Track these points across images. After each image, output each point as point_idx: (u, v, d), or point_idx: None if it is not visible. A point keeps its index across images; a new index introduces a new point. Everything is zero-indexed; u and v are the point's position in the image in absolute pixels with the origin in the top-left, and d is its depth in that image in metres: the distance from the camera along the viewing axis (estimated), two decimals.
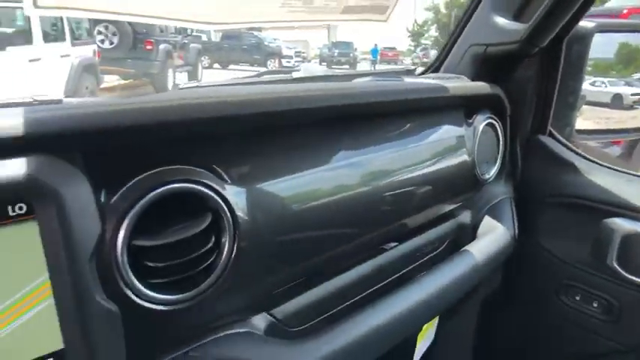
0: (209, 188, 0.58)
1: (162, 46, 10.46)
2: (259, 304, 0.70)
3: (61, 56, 6.91)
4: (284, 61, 18.40)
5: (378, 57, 28.49)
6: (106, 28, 9.91)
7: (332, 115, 0.78)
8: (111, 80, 9.97)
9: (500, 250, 1.04)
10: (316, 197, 0.73)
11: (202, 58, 13.69)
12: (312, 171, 0.74)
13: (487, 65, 1.13)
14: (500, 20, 1.07)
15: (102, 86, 8.64)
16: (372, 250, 0.91)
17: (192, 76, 12.13)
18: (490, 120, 1.07)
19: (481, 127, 1.04)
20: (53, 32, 6.91)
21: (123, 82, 10.47)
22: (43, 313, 0.48)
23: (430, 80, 1.02)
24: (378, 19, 0.92)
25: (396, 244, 0.96)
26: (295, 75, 1.09)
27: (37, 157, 0.46)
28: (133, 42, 10.09)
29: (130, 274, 0.52)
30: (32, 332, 0.47)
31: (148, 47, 10.29)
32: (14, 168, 0.44)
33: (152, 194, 0.53)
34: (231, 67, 17.63)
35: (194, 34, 14.70)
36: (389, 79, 1.02)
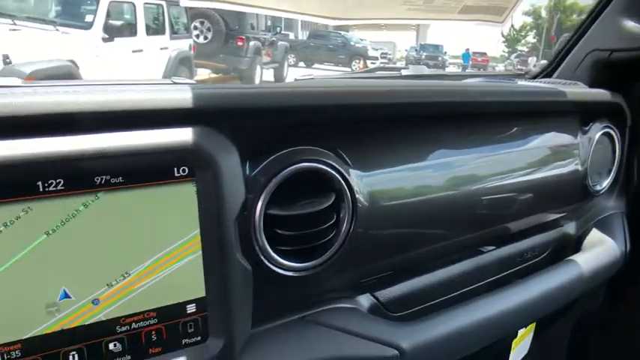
0: (335, 170, 0.62)
1: (252, 43, 10.90)
2: (364, 285, 0.73)
3: (161, 48, 7.42)
4: (369, 62, 18.30)
5: (470, 62, 26.94)
6: (202, 23, 10.52)
7: (444, 111, 0.79)
8: (203, 74, 10.56)
9: (606, 266, 1.00)
10: (423, 192, 0.75)
11: (289, 56, 14.07)
12: (421, 165, 0.76)
13: (609, 72, 1.07)
14: (631, 24, 1.01)
15: (195, 79, 9.19)
16: (470, 250, 0.91)
17: (278, 73, 12.51)
18: (607, 130, 1.02)
19: (597, 136, 1.00)
20: (155, 26, 7.45)
21: (214, 75, 11.04)
22: (192, 263, 0.54)
23: (546, 85, 0.99)
24: (494, 21, 0.91)
25: (493, 247, 0.95)
26: (404, 72, 1.11)
27: (200, 128, 0.52)
28: (226, 38, 10.61)
29: (264, 239, 0.58)
30: (181, 279, 0.54)
31: (239, 44, 10.78)
32: (182, 136, 0.51)
33: (288, 170, 0.58)
34: (316, 66, 17.93)
35: (282, 32, 15.16)
36: (501, 81, 1.01)
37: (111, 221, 0.49)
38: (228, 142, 0.54)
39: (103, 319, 0.51)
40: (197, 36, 10.25)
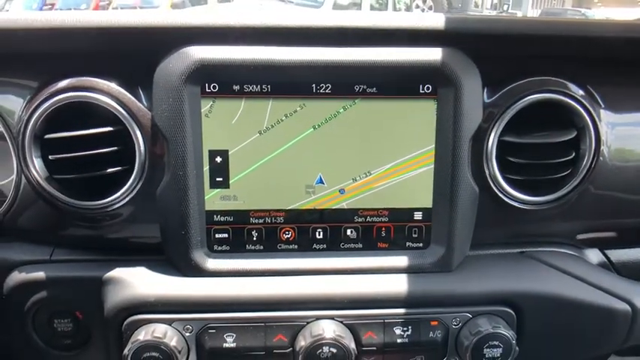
0: (581, 105, 0.59)
1: None
2: (593, 239, 0.68)
3: None
4: None
5: None
6: (424, 2, 10.46)
7: None
8: None
9: None
10: None
11: None
12: None
13: None
14: None
15: None
16: None
17: None
18: None
19: None
20: (378, 5, 7.74)
21: None
22: (423, 175, 0.59)
23: None
24: None
25: None
26: None
27: (448, 49, 0.55)
28: None
29: (496, 165, 0.59)
30: (412, 187, 0.59)
31: None
32: (430, 55, 0.55)
33: (527, 99, 0.58)
34: None
35: (510, 10, 14.04)
36: None
37: (362, 125, 0.57)
38: (472, 65, 0.56)
39: (345, 207, 0.60)
40: None
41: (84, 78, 0.56)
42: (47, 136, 0.55)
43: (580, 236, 0.67)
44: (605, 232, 0.68)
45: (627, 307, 0.59)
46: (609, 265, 0.67)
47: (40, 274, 0.59)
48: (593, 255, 0.67)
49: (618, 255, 0.67)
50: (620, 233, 0.68)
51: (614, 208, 0.65)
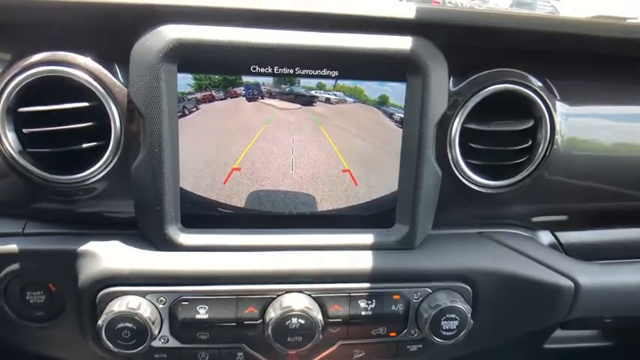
0: (538, 96, 0.63)
1: None
2: (545, 222, 0.73)
3: None
4: None
5: None
6: None
7: None
8: None
9: None
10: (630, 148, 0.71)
11: None
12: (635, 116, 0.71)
13: None
14: None
15: None
16: None
17: None
18: None
19: None
20: None
21: None
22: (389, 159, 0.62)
23: None
24: None
25: None
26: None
27: (418, 38, 0.58)
28: None
29: (458, 151, 0.62)
30: (379, 173, 0.63)
31: None
32: (402, 44, 0.57)
33: (489, 89, 0.61)
34: None
35: None
36: None
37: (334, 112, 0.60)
38: (440, 54, 0.59)
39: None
40: None
41: (59, 52, 0.56)
42: (20, 110, 0.55)
43: (533, 219, 0.72)
44: (556, 215, 0.73)
45: (571, 284, 0.65)
46: (558, 246, 0.73)
47: (12, 247, 0.60)
48: (545, 236, 0.73)
49: (566, 237, 0.73)
50: (569, 217, 0.74)
51: (565, 193, 0.70)
